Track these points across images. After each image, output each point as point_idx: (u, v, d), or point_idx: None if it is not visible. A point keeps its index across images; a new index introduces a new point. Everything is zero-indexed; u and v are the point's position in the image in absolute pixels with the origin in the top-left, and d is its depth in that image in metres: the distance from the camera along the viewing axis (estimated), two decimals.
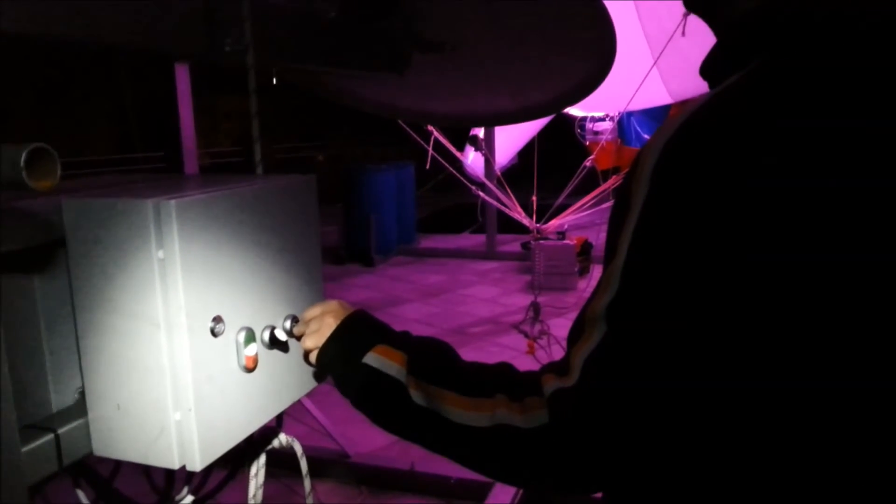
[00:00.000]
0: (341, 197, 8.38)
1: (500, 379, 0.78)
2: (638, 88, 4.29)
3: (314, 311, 1.01)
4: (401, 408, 0.84)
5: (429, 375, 0.82)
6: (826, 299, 0.59)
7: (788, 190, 0.59)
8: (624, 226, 0.65)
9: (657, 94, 5.17)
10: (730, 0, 0.74)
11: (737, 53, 0.70)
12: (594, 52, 2.43)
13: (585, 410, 0.66)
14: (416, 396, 0.81)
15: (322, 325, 0.97)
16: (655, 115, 8.43)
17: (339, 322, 0.95)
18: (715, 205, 0.61)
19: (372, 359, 0.88)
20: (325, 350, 0.95)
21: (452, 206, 11.10)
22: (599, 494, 0.77)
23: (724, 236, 0.60)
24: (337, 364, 0.93)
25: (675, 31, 3.65)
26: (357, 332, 0.94)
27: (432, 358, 0.86)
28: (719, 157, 0.61)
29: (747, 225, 0.60)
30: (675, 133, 0.64)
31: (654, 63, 4.21)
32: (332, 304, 1.00)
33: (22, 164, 0.72)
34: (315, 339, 0.97)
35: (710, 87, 0.73)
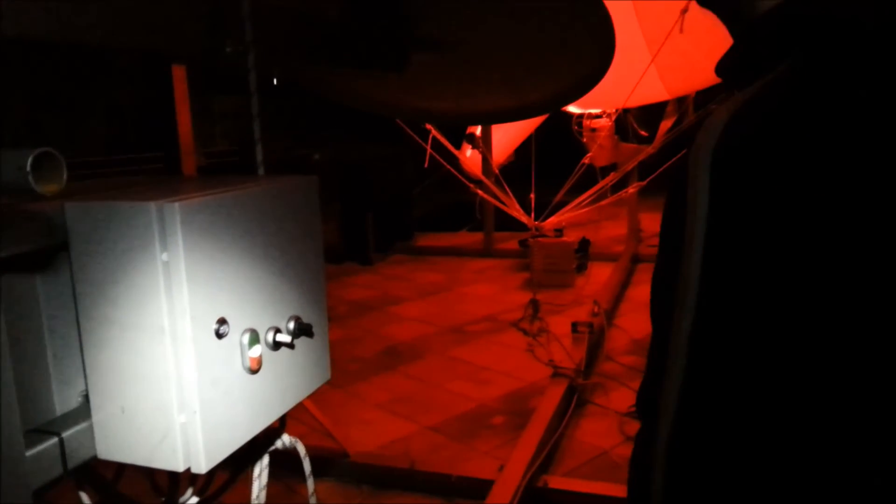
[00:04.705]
0: (338, 195, 8.37)
1: None
2: (635, 86, 4.28)
3: None
4: None
5: None
6: None
7: (858, 194, 0.57)
8: (686, 237, 0.65)
9: (654, 91, 5.16)
10: None
11: (764, 53, 0.68)
12: (593, 49, 2.43)
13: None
14: None
15: None
16: (652, 112, 8.41)
17: None
18: (787, 214, 0.60)
19: None
20: None
21: (450, 204, 11.08)
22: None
23: (797, 242, 0.60)
24: None
25: (672, 27, 3.64)
26: None
27: None
28: (789, 160, 0.60)
29: (820, 230, 0.58)
30: (727, 135, 0.64)
31: (652, 60, 4.20)
32: None
33: (28, 168, 0.71)
34: None
35: (728, 86, 0.71)
